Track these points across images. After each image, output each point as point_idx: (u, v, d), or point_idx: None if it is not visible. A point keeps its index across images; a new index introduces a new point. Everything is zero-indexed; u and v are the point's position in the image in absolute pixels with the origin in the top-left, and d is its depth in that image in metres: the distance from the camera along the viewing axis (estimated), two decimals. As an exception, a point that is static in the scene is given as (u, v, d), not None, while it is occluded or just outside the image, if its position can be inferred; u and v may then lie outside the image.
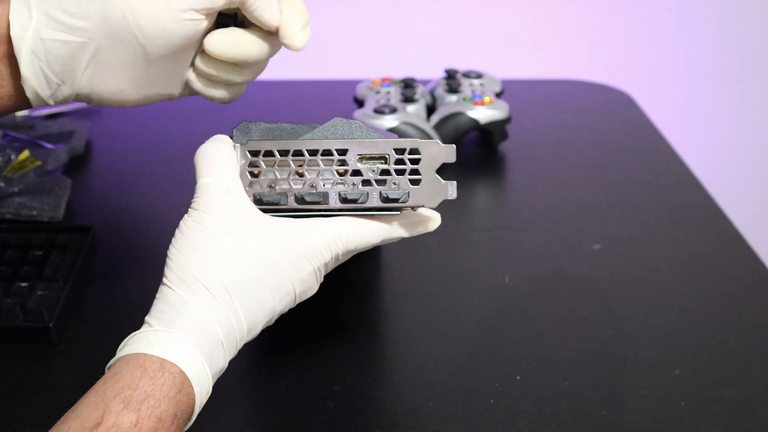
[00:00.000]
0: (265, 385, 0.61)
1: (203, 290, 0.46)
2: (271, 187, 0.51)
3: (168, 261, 0.47)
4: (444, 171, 0.51)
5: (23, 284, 0.67)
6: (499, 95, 1.02)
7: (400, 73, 1.06)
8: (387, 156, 0.51)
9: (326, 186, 0.51)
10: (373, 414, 0.58)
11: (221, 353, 0.46)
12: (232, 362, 0.48)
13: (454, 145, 0.51)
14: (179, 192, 0.49)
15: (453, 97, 0.98)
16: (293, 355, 0.64)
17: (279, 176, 0.51)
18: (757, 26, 1.33)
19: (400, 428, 0.57)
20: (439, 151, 0.51)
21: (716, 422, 0.58)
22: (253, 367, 0.63)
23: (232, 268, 0.47)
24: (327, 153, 0.51)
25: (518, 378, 0.62)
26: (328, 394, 0.60)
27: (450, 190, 0.51)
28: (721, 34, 1.34)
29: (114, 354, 0.46)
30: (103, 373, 0.45)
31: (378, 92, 0.99)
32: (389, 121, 0.91)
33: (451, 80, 1.01)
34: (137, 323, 0.47)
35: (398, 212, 0.52)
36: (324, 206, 0.51)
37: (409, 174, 0.51)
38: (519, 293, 0.72)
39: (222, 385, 0.49)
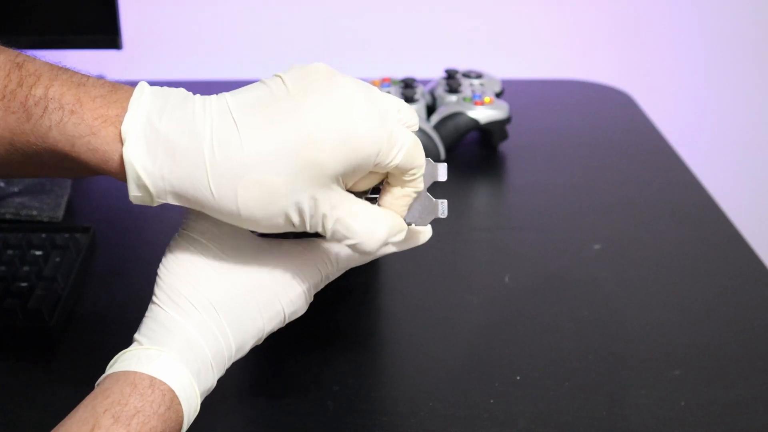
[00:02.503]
0: (265, 385, 0.61)
1: (192, 310, 0.46)
2: None
3: (158, 280, 0.47)
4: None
5: (23, 284, 0.67)
6: (499, 95, 1.02)
7: (400, 73, 1.06)
8: None
9: None
10: (373, 414, 0.58)
11: (210, 372, 0.47)
12: (232, 363, 0.49)
13: (446, 164, 0.51)
14: (179, 192, 0.49)
15: (453, 97, 0.98)
16: (294, 356, 0.64)
17: None
18: (758, 26, 1.33)
19: (400, 428, 0.57)
20: (431, 170, 0.50)
21: (716, 422, 0.58)
22: (254, 367, 0.63)
23: (221, 289, 0.47)
24: None
25: (518, 378, 0.62)
26: (328, 394, 0.60)
27: (441, 208, 0.51)
28: (721, 34, 1.34)
29: (113, 352, 0.46)
30: (102, 371, 0.46)
31: (378, 92, 0.99)
32: (389, 121, 0.91)
33: (451, 80, 1.01)
34: (137, 324, 0.48)
35: None
36: None
37: None
38: (519, 293, 0.72)
39: (222, 385, 0.49)
